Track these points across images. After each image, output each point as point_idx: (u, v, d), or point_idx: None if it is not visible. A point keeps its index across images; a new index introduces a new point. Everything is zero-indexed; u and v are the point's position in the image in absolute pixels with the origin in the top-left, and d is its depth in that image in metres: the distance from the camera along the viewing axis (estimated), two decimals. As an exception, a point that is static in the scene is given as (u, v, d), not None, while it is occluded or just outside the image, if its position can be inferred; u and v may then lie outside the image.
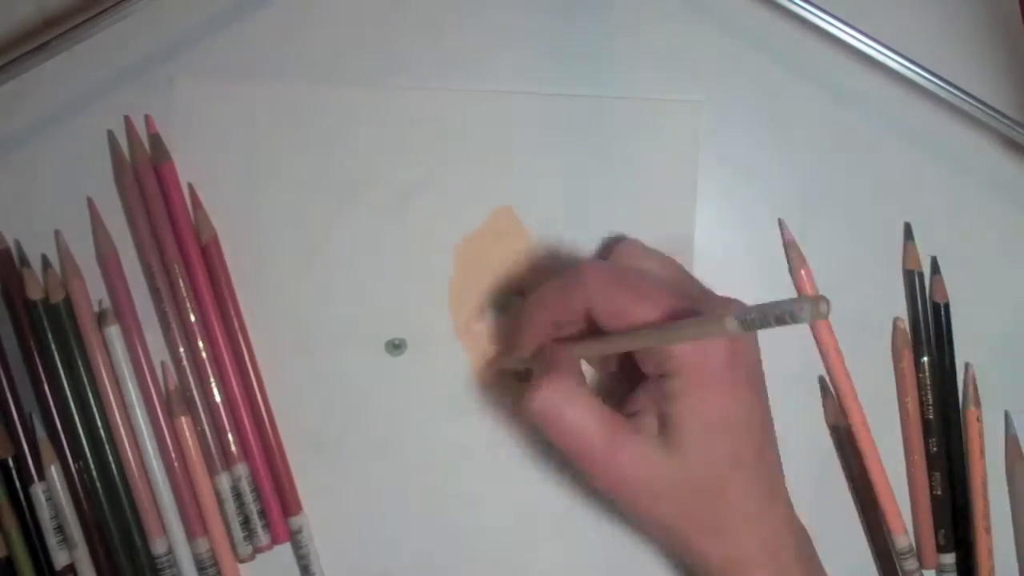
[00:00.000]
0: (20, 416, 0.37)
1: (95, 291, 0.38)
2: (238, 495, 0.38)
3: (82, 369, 0.37)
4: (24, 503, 0.37)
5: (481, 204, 0.40)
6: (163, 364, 0.38)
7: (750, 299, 0.30)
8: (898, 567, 0.41)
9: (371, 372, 0.39)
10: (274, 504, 0.38)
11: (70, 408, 0.37)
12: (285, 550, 0.39)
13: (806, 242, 0.40)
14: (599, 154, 0.40)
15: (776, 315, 0.25)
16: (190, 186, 0.38)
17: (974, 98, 0.37)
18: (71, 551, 0.37)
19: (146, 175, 0.37)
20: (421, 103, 0.39)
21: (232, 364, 0.38)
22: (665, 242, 0.40)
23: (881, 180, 0.41)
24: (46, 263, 0.37)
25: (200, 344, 0.37)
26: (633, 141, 0.40)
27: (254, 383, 0.38)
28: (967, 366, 0.41)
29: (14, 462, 0.37)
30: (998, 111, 0.37)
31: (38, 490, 0.37)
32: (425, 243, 0.39)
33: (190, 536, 0.38)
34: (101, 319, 0.37)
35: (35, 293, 0.37)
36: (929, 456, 0.41)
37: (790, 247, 0.40)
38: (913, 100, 0.40)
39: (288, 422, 0.39)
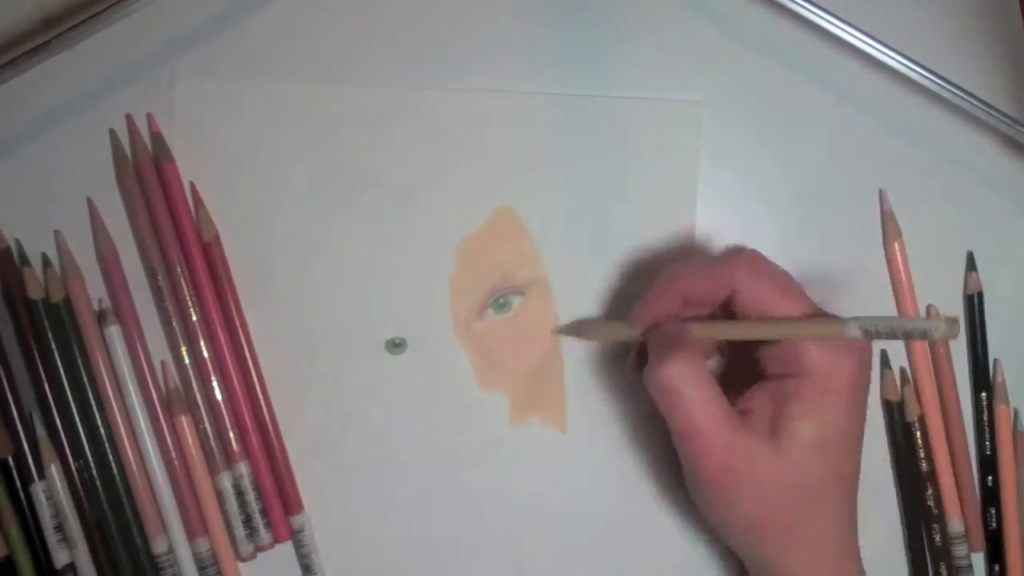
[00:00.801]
0: (20, 415, 0.37)
1: (95, 291, 0.38)
2: (239, 493, 0.38)
3: (82, 368, 0.37)
4: (24, 502, 0.37)
5: (481, 204, 0.40)
6: (163, 363, 0.38)
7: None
8: (940, 547, 0.41)
9: (371, 371, 0.39)
10: (275, 503, 0.38)
11: (70, 407, 0.37)
12: (286, 549, 0.39)
13: (806, 242, 0.41)
14: (599, 154, 0.40)
15: (906, 330, 0.25)
16: (192, 185, 0.38)
17: (974, 97, 0.37)
18: (71, 550, 0.37)
19: (148, 173, 0.37)
20: (421, 103, 0.39)
21: (233, 362, 0.38)
22: (665, 242, 0.40)
23: (881, 180, 0.41)
24: (46, 262, 0.37)
25: (202, 342, 0.37)
26: (633, 141, 0.40)
27: (255, 381, 0.38)
28: (995, 362, 0.41)
29: (14, 461, 0.37)
30: (998, 110, 0.38)
31: (38, 489, 0.37)
32: (425, 243, 0.39)
33: (190, 535, 0.38)
34: (101, 318, 0.37)
35: (35, 292, 0.37)
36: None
37: (887, 218, 0.40)
38: (913, 100, 0.40)
39: (289, 421, 0.39)
